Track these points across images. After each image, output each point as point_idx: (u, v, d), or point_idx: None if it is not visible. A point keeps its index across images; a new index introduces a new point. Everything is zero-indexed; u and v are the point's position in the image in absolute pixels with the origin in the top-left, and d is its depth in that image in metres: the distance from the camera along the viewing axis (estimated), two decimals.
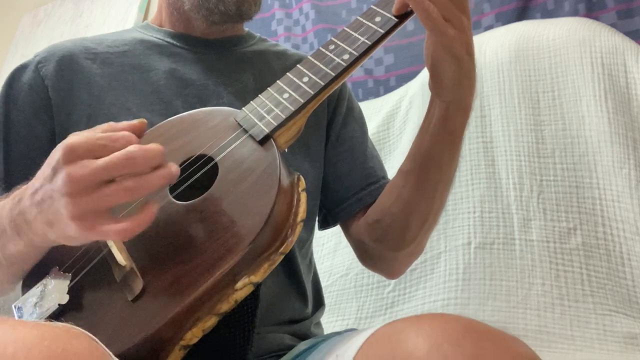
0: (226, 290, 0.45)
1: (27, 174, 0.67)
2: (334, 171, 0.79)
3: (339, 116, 0.82)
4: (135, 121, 0.49)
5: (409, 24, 1.41)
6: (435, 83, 0.60)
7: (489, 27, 1.29)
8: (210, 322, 0.45)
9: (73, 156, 0.43)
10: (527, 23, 1.22)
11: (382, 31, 0.55)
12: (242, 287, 0.45)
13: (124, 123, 0.48)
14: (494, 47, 1.17)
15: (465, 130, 0.64)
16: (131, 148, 0.43)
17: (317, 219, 0.85)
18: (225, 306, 0.45)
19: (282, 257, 0.47)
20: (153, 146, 0.44)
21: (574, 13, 1.19)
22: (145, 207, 0.44)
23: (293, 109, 0.53)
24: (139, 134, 0.49)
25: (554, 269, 0.96)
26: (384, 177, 0.80)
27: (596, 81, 1.05)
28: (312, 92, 0.54)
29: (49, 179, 0.45)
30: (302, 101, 0.54)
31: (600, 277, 0.93)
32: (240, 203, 0.48)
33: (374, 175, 0.78)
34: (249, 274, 0.46)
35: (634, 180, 0.97)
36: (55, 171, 0.44)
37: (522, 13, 1.26)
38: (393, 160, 1.23)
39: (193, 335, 0.44)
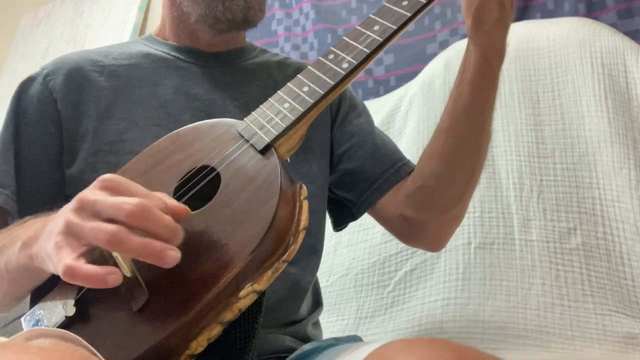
0: (230, 299, 0.45)
1: (36, 186, 0.68)
2: (349, 166, 0.80)
3: (342, 116, 0.83)
4: (179, 206, 0.47)
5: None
6: (475, 26, 0.63)
7: None
8: (215, 331, 0.45)
9: (99, 185, 0.45)
10: (527, 23, 1.21)
11: (381, 39, 0.56)
12: (246, 296, 0.45)
13: (173, 202, 0.47)
14: None
15: (499, 78, 0.68)
16: (144, 202, 0.43)
17: (332, 218, 0.86)
18: (229, 315, 0.45)
19: (285, 264, 0.48)
20: (167, 219, 0.43)
21: (574, 13, 1.19)
22: (109, 270, 0.41)
23: (293, 118, 0.54)
24: (179, 217, 0.46)
25: (554, 269, 0.96)
26: (400, 159, 0.81)
27: (596, 81, 1.05)
28: (312, 101, 0.55)
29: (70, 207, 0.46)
30: (302, 110, 0.54)
31: (600, 277, 0.93)
32: (242, 212, 0.49)
33: (388, 162, 0.80)
34: (253, 282, 0.46)
35: (634, 180, 0.97)
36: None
37: (522, 13, 1.26)
38: None
39: (198, 345, 0.44)
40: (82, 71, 0.73)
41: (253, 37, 1.68)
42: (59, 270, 0.42)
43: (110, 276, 0.41)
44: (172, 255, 0.42)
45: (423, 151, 0.76)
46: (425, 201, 0.75)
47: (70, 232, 0.43)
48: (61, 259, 0.42)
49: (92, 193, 0.44)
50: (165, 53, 0.78)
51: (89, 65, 0.74)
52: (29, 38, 2.35)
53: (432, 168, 0.73)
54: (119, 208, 0.42)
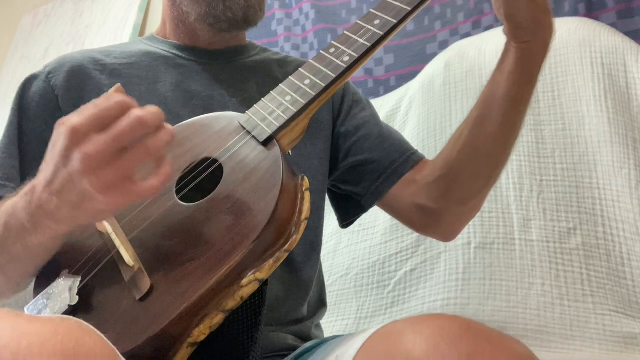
0: (232, 287, 0.46)
1: None
2: (357, 159, 0.80)
3: (345, 112, 0.83)
4: (113, 87, 0.50)
5: (409, 24, 1.41)
6: (511, 25, 0.61)
7: (489, 27, 1.29)
8: (217, 318, 0.45)
9: (79, 135, 0.44)
10: None
11: (381, 33, 0.57)
12: (248, 284, 0.46)
13: (108, 94, 0.48)
14: (494, 47, 1.17)
15: (541, 70, 0.65)
16: (137, 112, 0.44)
17: (339, 214, 0.85)
18: (231, 303, 0.46)
19: (286, 254, 0.48)
20: (153, 108, 0.46)
21: (574, 13, 1.19)
22: (161, 164, 0.46)
23: (295, 110, 0.55)
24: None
25: (554, 269, 0.96)
26: (408, 149, 0.80)
27: (596, 81, 1.05)
28: (314, 94, 0.55)
29: (61, 165, 0.45)
30: (304, 102, 0.55)
31: (600, 277, 0.93)
32: (245, 202, 0.49)
33: (396, 152, 0.79)
34: (255, 270, 0.46)
35: (634, 180, 0.97)
36: (66, 156, 0.45)
37: None
38: None
39: (200, 333, 0.45)
40: (84, 69, 0.74)
41: (253, 37, 1.67)
42: (145, 195, 0.45)
43: (166, 163, 0.46)
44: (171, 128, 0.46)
45: (449, 140, 0.74)
46: (445, 191, 0.73)
47: (110, 183, 0.44)
48: (139, 191, 0.44)
49: (87, 146, 0.44)
50: (165, 51, 0.79)
51: (91, 64, 0.75)
52: (29, 38, 2.35)
53: (457, 156, 0.71)
54: (127, 135, 0.44)
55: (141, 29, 1.97)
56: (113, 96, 0.46)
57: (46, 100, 0.72)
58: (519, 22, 0.61)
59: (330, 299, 1.13)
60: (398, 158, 0.78)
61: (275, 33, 1.64)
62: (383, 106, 1.33)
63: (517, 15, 0.60)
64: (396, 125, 1.28)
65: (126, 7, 2.02)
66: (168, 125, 0.46)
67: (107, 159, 0.43)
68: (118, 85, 0.50)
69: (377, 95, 1.43)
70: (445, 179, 0.73)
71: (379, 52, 1.47)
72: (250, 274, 0.46)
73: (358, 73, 1.45)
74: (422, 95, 1.24)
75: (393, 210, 0.82)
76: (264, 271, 0.47)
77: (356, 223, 0.87)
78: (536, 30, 0.61)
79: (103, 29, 2.05)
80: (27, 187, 0.51)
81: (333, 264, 1.19)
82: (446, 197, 0.74)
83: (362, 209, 0.82)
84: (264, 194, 0.49)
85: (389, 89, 1.42)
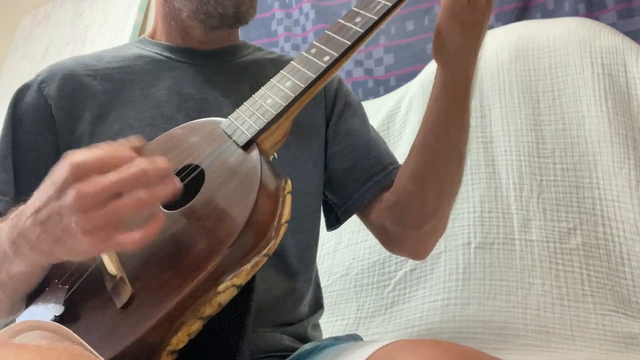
0: (208, 294, 0.45)
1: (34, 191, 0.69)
2: (340, 166, 0.80)
3: (336, 115, 0.83)
4: (132, 138, 0.50)
5: (409, 24, 1.41)
6: (437, 46, 0.62)
7: (489, 27, 1.28)
8: (195, 326, 0.45)
9: (80, 173, 0.44)
10: (527, 23, 1.22)
11: (362, 31, 0.56)
12: (225, 290, 0.45)
13: (123, 141, 0.49)
14: (494, 47, 1.17)
15: (470, 101, 0.65)
16: (142, 164, 0.44)
17: (325, 219, 0.85)
18: (209, 310, 0.45)
19: (266, 258, 0.48)
20: (160, 161, 0.46)
21: (574, 13, 1.19)
22: (153, 216, 0.45)
23: (275, 113, 0.55)
24: (138, 151, 0.50)
25: (554, 269, 0.96)
26: (392, 163, 0.80)
27: (596, 81, 1.05)
28: (293, 96, 0.55)
29: (55, 197, 0.45)
30: (284, 104, 0.55)
31: (600, 277, 0.93)
32: (223, 207, 0.49)
33: (379, 164, 0.79)
34: (232, 276, 0.46)
35: (634, 180, 0.97)
36: (62, 189, 0.45)
37: (522, 13, 1.26)
38: None
39: (179, 340, 0.45)
40: (76, 76, 0.74)
41: (253, 37, 1.68)
42: (127, 247, 0.44)
43: (158, 218, 0.45)
44: (179, 183, 0.46)
45: (402, 165, 0.75)
46: (400, 216, 0.74)
47: (96, 227, 0.43)
48: (120, 241, 0.44)
49: (85, 185, 0.44)
50: (158, 54, 0.79)
51: (83, 70, 0.75)
52: (29, 38, 2.35)
53: (406, 183, 0.72)
54: (127, 183, 0.44)
55: (141, 29, 1.97)
56: (124, 143, 0.47)
57: (40, 111, 0.72)
58: (443, 44, 0.61)
59: (330, 298, 1.13)
60: (381, 171, 0.78)
61: (275, 33, 1.64)
62: (383, 106, 1.33)
63: (444, 39, 0.61)
64: (396, 126, 1.28)
65: (126, 7, 2.02)
66: (176, 179, 0.46)
67: (100, 203, 0.43)
68: (140, 138, 0.51)
69: (377, 95, 1.43)
70: (398, 205, 0.74)
71: (378, 51, 1.47)
72: (227, 279, 0.45)
73: (358, 73, 1.45)
74: (422, 95, 1.24)
75: (369, 224, 0.81)
76: (242, 277, 0.46)
77: (356, 223, 0.87)
78: (457, 59, 0.62)
79: (103, 29, 2.05)
80: (15, 212, 0.51)
81: (333, 263, 1.18)
82: (402, 223, 0.75)
83: (337, 220, 0.82)
84: (241, 197, 0.48)
85: (389, 89, 1.42)
